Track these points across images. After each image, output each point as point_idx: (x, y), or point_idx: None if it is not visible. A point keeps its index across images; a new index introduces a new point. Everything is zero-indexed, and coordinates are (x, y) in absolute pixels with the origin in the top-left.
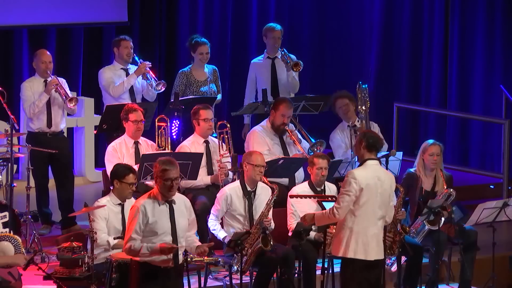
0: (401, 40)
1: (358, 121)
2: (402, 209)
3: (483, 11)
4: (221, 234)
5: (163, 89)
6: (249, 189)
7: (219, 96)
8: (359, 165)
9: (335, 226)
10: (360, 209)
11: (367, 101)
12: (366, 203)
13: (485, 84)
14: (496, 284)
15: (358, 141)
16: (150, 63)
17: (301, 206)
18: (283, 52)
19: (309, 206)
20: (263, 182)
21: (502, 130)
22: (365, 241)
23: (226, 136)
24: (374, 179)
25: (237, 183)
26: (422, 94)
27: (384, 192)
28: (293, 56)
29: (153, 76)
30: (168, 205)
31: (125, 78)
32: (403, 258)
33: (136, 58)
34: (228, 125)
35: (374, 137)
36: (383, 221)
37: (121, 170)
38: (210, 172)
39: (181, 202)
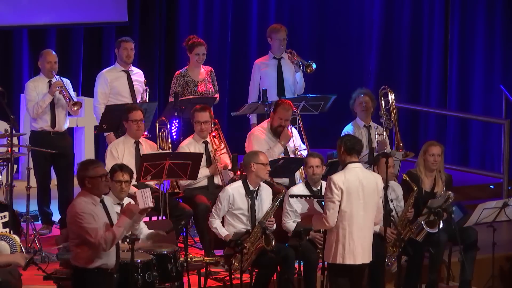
0: (401, 40)
1: (382, 126)
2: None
3: (483, 11)
4: (222, 232)
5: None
6: (251, 188)
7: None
8: (340, 170)
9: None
10: (343, 213)
11: (394, 108)
12: (348, 207)
13: (485, 84)
14: (496, 284)
15: (338, 146)
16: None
17: (301, 206)
18: (291, 54)
19: (305, 206)
20: (271, 183)
21: (502, 130)
22: (352, 246)
23: (218, 132)
24: (354, 182)
25: (239, 182)
26: (422, 94)
27: (368, 194)
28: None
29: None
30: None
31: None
32: (403, 258)
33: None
34: (216, 120)
35: (352, 139)
36: (371, 224)
37: (111, 169)
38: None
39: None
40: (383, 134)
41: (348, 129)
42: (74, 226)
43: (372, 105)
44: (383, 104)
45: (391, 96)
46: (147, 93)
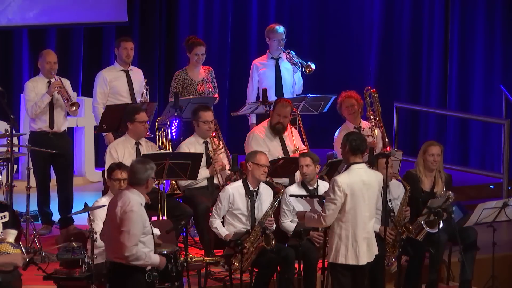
0: (401, 40)
1: (369, 126)
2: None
3: (483, 11)
4: (222, 232)
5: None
6: (251, 188)
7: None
8: (344, 170)
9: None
10: (346, 215)
11: (379, 108)
12: (352, 209)
13: (485, 84)
14: (496, 284)
15: (343, 145)
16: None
17: (301, 206)
18: (289, 55)
19: (305, 206)
20: (270, 182)
21: (502, 130)
22: (355, 246)
23: (217, 132)
24: (358, 184)
25: (239, 182)
26: (422, 94)
27: (372, 194)
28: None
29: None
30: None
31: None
32: (403, 258)
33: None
34: (215, 120)
35: (357, 139)
36: (374, 221)
37: (110, 168)
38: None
39: None
40: (372, 135)
41: (339, 136)
42: (122, 222)
43: (359, 106)
44: (369, 105)
45: (375, 96)
46: (148, 93)
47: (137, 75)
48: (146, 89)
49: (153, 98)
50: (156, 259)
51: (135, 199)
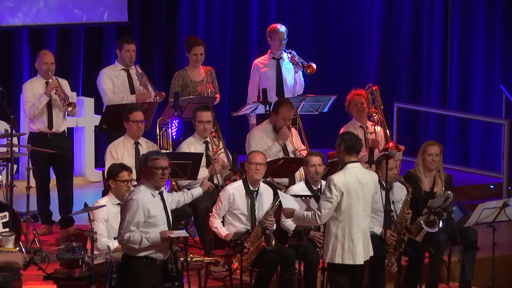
0: (401, 40)
1: (372, 124)
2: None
3: (483, 11)
4: (223, 231)
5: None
6: (251, 188)
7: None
8: (339, 169)
9: None
10: (342, 214)
11: (381, 105)
12: (348, 208)
13: (485, 84)
14: (496, 284)
15: (337, 144)
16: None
17: (298, 205)
18: (291, 55)
19: (301, 205)
20: (271, 183)
21: (502, 130)
22: (351, 246)
23: (217, 133)
24: (354, 183)
25: (239, 182)
26: (422, 94)
27: (367, 194)
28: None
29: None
30: (160, 196)
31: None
32: (403, 258)
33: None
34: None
35: (352, 138)
36: (370, 221)
37: (114, 169)
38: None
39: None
40: (374, 132)
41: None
42: (122, 211)
43: (367, 105)
44: (371, 102)
45: (377, 93)
46: (140, 68)
47: (135, 72)
48: (140, 69)
49: None
50: (156, 236)
51: (141, 190)
